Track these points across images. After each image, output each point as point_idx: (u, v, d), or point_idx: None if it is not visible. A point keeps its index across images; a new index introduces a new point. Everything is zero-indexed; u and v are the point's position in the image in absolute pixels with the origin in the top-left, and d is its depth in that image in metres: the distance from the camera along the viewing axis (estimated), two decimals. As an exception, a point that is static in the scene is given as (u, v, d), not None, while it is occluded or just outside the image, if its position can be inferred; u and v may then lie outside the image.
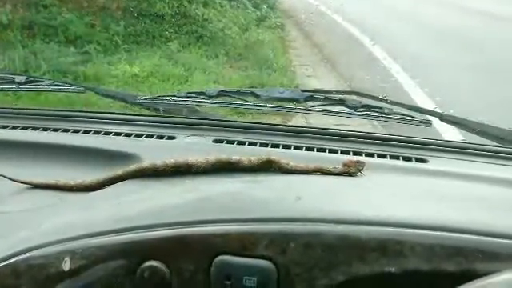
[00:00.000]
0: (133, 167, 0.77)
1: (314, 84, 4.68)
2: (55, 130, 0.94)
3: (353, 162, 0.76)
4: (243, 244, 0.53)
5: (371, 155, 0.86)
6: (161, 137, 0.92)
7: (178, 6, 6.21)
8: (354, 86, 4.39)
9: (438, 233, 0.52)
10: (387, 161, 0.83)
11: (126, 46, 5.58)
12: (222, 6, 6.99)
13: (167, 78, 4.88)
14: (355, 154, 0.86)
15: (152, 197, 0.68)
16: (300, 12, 8.47)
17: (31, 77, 1.02)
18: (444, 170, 0.78)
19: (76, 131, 0.94)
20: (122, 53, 5.42)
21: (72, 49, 5.22)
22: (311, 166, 0.77)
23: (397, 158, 0.85)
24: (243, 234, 0.53)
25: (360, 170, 0.76)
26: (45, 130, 0.94)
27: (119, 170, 0.77)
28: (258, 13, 7.55)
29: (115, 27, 5.77)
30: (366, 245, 0.52)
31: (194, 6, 6.35)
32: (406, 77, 4.59)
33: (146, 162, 0.78)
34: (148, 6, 6.16)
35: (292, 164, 0.77)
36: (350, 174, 0.76)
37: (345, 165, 0.76)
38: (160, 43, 5.78)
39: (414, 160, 0.84)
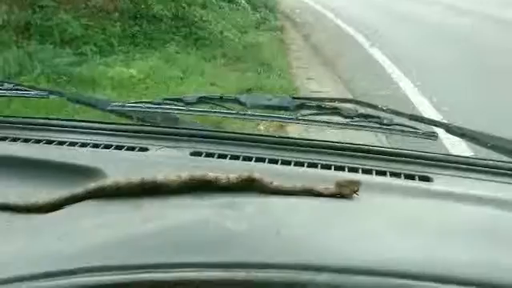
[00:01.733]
0: (93, 185, 0.67)
1: (313, 87, 4.60)
2: (14, 139, 0.84)
3: (347, 182, 0.66)
4: None
5: (369, 172, 0.75)
6: (132, 148, 0.81)
7: (176, 8, 6.13)
8: (352, 86, 4.37)
9: (447, 287, 0.41)
10: (387, 179, 0.73)
11: (122, 47, 5.51)
12: (220, 8, 6.92)
13: (164, 79, 4.82)
14: (351, 170, 0.76)
15: (107, 224, 0.58)
16: (299, 14, 8.43)
17: (-9, 80, 0.92)
18: (451, 191, 0.68)
19: (38, 141, 0.84)
20: (118, 54, 5.35)
21: (68, 50, 5.15)
22: (299, 185, 0.66)
23: (398, 175, 0.74)
24: (205, 282, 0.43)
25: (355, 192, 0.65)
26: (2, 139, 0.83)
27: (79, 189, 0.67)
28: (258, 15, 7.49)
29: (112, 28, 5.69)
30: None
31: (192, 8, 6.27)
32: (402, 76, 4.61)
33: (108, 180, 0.67)
34: (146, 7, 6.09)
35: (276, 184, 0.66)
36: (343, 196, 0.65)
37: (338, 185, 0.65)
38: (157, 45, 5.70)
39: (417, 178, 0.73)
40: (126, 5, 6.14)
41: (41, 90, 0.91)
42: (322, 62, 5.63)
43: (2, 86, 0.89)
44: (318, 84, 4.74)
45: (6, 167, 0.77)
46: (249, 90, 4.48)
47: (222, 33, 6.07)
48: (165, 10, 6.19)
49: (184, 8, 6.29)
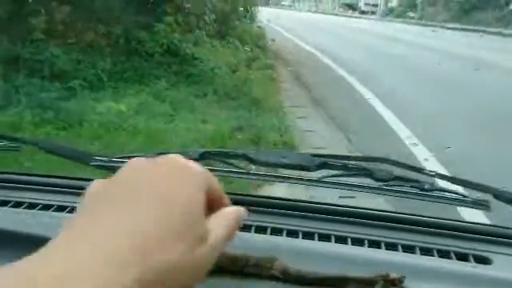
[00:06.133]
0: None
1: (304, 126, 4.53)
2: None
3: (393, 279, 0.51)
4: None
5: (410, 248, 0.61)
6: None
7: (168, 45, 6.11)
8: (340, 122, 4.33)
9: None
10: (434, 260, 0.59)
11: (112, 82, 5.42)
12: (212, 46, 6.94)
13: (153, 116, 4.71)
14: (388, 246, 0.61)
15: None
16: (292, 54, 8.53)
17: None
18: None
19: (5, 203, 0.68)
20: (107, 89, 5.25)
21: (57, 84, 5.04)
22: (331, 274, 0.52)
23: (447, 254, 0.60)
24: None
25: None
26: None
27: None
28: (250, 53, 7.53)
29: (102, 63, 5.62)
30: None
31: (184, 45, 6.26)
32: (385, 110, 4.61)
33: None
34: (138, 43, 6.05)
35: (303, 271, 0.52)
36: None
37: (382, 277, 0.51)
38: (148, 81, 5.63)
39: (472, 259, 0.59)
40: (117, 40, 6.11)
41: (12, 138, 0.76)
42: (313, 101, 5.62)
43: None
44: (309, 123, 4.69)
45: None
46: (240, 128, 4.38)
47: (213, 70, 6.05)
48: (156, 47, 6.18)
49: (176, 45, 6.29)
